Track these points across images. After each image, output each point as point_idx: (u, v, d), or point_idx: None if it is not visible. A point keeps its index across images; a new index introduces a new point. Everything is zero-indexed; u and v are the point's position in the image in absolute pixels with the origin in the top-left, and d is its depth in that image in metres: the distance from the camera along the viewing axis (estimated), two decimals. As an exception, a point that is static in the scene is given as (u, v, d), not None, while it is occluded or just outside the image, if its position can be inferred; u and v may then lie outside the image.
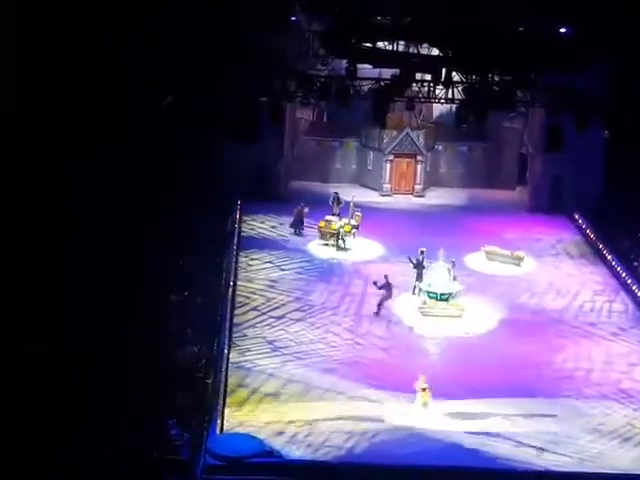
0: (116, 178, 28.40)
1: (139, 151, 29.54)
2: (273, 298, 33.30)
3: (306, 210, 39.07)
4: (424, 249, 33.87)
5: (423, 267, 33.55)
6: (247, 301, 32.96)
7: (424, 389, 26.59)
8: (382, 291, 32.43)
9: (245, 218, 39.95)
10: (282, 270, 35.71)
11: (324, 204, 39.94)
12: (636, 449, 25.60)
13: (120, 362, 25.50)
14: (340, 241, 37.46)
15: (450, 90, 33.82)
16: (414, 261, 33.61)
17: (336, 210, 39.36)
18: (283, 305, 32.83)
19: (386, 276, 32.76)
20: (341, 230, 37.56)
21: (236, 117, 33.10)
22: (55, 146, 23.46)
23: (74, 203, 24.55)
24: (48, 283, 24.14)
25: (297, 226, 39.09)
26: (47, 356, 23.03)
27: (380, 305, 32.47)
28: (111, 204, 28.35)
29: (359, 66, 33.52)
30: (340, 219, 38.29)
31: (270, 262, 36.31)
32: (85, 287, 25.93)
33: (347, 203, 38.95)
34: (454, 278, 33.02)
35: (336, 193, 40.19)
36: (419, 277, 33.50)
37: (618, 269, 36.24)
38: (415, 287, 33.56)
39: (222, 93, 31.85)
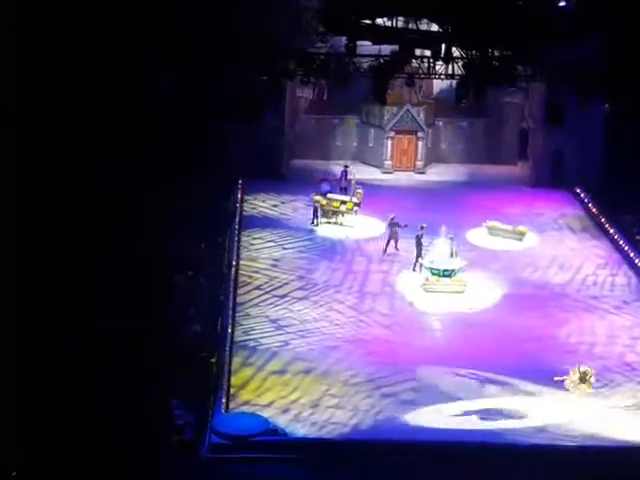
0: (119, 159, 28.40)
1: (141, 132, 29.51)
2: (276, 277, 33.32)
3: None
4: (424, 225, 33.91)
5: (421, 244, 33.62)
6: (250, 280, 32.98)
7: (583, 380, 26.69)
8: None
9: (247, 197, 39.94)
10: (284, 249, 35.72)
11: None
12: (641, 422, 25.72)
13: (124, 343, 25.57)
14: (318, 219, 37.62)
15: (450, 66, 33.74)
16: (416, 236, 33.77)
17: (344, 184, 39.34)
18: (286, 284, 32.85)
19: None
20: (317, 205, 37.56)
21: (240, 97, 33.02)
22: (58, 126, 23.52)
23: (76, 186, 24.57)
24: (51, 263, 24.17)
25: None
26: (50, 337, 23.11)
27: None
28: (114, 185, 28.36)
29: (358, 43, 33.42)
30: (342, 194, 38.38)
31: (272, 241, 36.32)
32: (89, 268, 25.96)
33: (349, 181, 38.95)
34: (456, 254, 33.02)
35: (346, 166, 40.20)
36: (419, 254, 33.54)
37: (620, 243, 36.25)
38: (415, 264, 33.59)
39: (224, 73, 31.78)
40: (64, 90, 24.18)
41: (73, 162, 23.82)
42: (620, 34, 30.83)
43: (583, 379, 26.68)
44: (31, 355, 22.33)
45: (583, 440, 24.73)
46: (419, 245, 33.61)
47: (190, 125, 35.12)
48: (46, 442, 21.80)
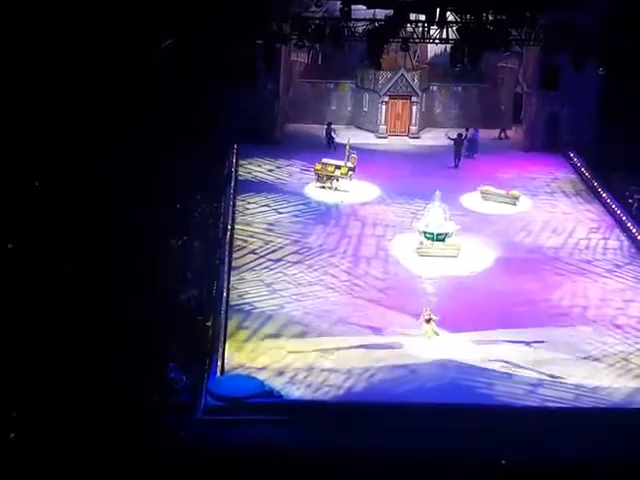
0: (115, 125, 28.47)
1: (138, 97, 29.53)
2: (271, 241, 33.45)
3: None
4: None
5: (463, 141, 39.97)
6: (245, 244, 33.09)
7: (428, 320, 27.17)
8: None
9: (241, 162, 39.95)
10: (279, 213, 35.83)
11: (320, 146, 40.22)
12: (631, 384, 25.92)
13: (120, 306, 25.76)
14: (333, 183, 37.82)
15: (444, 30, 33.69)
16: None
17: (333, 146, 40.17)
18: (281, 248, 32.98)
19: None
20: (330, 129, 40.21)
21: (234, 61, 32.98)
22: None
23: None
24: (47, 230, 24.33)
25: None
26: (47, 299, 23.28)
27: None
28: (110, 151, 28.47)
29: (353, 7, 33.35)
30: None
31: (267, 205, 36.41)
32: (87, 234, 26.12)
33: (343, 145, 38.99)
34: (449, 218, 33.15)
35: (329, 124, 41.73)
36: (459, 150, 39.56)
37: (613, 206, 36.39)
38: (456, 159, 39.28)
39: (218, 37, 31.74)
40: (69, 52, 24.16)
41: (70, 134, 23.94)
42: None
43: (429, 320, 27.36)
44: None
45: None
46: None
47: (185, 90, 35.18)
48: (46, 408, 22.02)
